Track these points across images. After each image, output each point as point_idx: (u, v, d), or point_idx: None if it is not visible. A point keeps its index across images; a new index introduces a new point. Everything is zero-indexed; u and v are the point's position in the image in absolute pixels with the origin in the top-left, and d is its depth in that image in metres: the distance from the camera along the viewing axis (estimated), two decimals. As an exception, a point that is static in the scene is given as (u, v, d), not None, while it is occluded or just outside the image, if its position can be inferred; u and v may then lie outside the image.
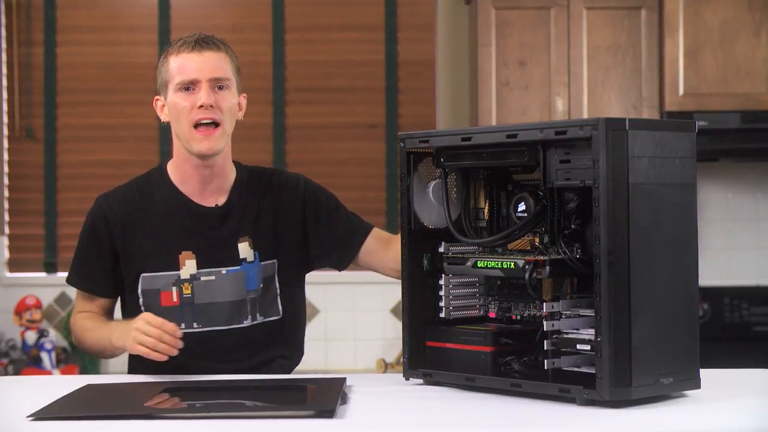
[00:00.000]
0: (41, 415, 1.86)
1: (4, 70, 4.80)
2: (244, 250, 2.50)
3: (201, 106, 2.41)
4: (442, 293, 2.23)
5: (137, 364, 2.49)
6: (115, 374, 4.32)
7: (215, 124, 2.43)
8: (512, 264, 2.06)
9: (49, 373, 4.43)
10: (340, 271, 2.64)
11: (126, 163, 4.82)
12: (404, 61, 4.84)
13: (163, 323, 2.26)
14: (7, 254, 4.82)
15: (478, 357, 2.14)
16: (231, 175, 2.55)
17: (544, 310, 2.01)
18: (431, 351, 2.22)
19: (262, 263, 2.52)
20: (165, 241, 2.48)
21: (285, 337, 2.56)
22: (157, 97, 2.52)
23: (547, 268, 2.03)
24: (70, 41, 4.82)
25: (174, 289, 2.47)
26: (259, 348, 2.51)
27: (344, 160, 4.80)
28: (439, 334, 2.22)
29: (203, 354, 2.46)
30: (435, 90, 4.84)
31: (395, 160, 4.77)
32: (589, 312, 1.97)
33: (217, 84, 2.44)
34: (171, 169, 2.55)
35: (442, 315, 2.24)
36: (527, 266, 2.03)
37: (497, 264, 2.09)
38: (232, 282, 2.49)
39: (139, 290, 2.49)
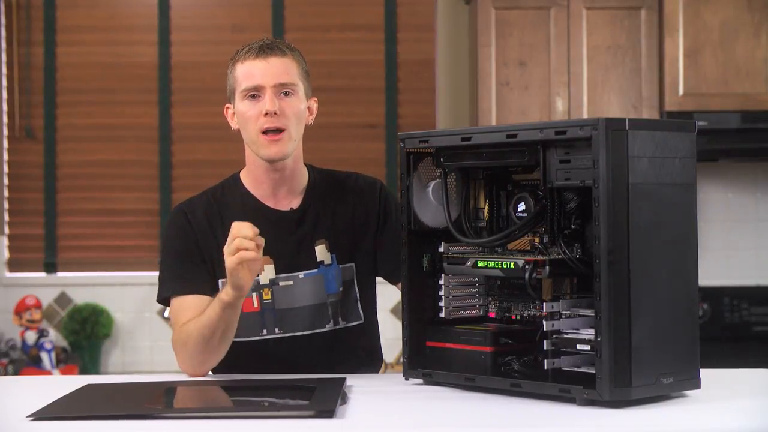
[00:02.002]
0: (41, 415, 1.86)
1: (4, 70, 4.80)
2: (321, 252, 2.48)
3: (266, 114, 2.40)
4: (442, 293, 2.23)
5: (221, 369, 2.45)
6: (115, 374, 4.33)
7: (281, 131, 2.42)
8: (512, 264, 2.06)
9: (49, 373, 4.43)
10: (392, 284, 2.57)
11: (126, 163, 4.83)
12: (404, 61, 4.84)
13: (237, 233, 2.20)
14: (7, 254, 4.82)
15: (478, 357, 2.14)
16: (303, 177, 2.54)
17: (544, 310, 2.01)
18: (431, 351, 2.22)
19: (341, 266, 2.50)
20: None
21: (366, 343, 2.54)
22: (227, 105, 2.51)
23: (547, 268, 2.02)
24: (70, 41, 4.83)
25: (254, 294, 2.44)
26: (344, 353, 2.49)
27: (344, 160, 4.79)
28: (439, 334, 2.22)
29: (287, 360, 2.45)
30: (435, 90, 4.83)
31: (395, 160, 4.77)
32: (589, 312, 1.97)
33: (283, 90, 2.42)
34: (244, 176, 2.54)
35: (442, 315, 2.23)
36: (527, 266, 2.03)
37: (497, 264, 2.09)
38: (311, 286, 2.47)
39: None
